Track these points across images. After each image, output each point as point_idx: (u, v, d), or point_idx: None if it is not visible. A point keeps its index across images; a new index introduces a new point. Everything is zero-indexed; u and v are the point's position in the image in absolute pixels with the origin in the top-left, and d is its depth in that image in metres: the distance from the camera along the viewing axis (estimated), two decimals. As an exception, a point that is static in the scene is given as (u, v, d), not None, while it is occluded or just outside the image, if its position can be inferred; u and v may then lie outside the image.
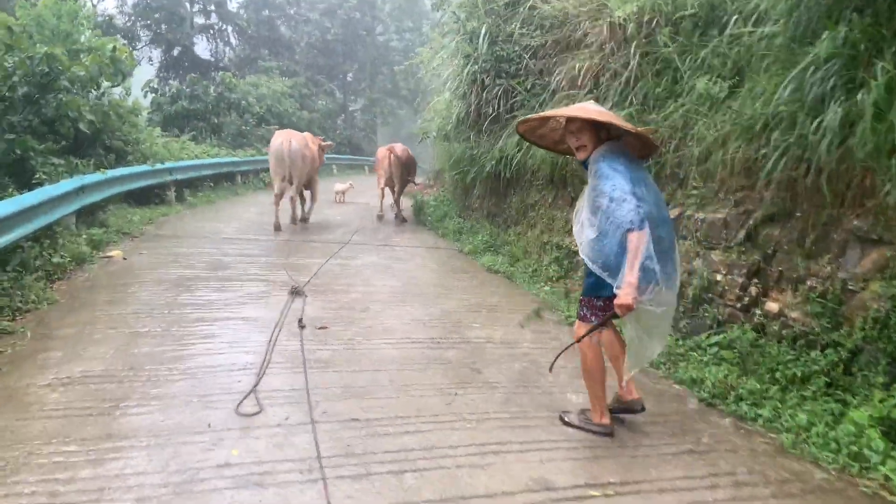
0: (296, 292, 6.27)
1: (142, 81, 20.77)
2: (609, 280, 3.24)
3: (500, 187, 9.97)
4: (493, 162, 9.38)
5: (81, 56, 11.11)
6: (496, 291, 7.11)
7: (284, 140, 9.99)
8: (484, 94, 9.69)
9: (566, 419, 3.72)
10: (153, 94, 18.12)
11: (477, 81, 9.82)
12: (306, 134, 11.16)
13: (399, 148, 12.21)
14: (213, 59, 29.71)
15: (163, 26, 27.06)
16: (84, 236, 7.78)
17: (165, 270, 6.99)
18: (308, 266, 7.71)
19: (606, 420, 3.59)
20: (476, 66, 9.70)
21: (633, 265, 3.06)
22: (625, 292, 3.07)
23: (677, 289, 3.47)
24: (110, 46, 10.42)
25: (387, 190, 12.80)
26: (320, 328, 5.29)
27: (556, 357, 3.72)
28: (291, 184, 10.18)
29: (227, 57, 30.47)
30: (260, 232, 10.09)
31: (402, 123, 50.84)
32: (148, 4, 26.77)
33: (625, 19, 7.36)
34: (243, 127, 19.23)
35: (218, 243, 8.88)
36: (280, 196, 10.29)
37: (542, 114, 3.78)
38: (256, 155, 18.68)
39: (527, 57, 9.24)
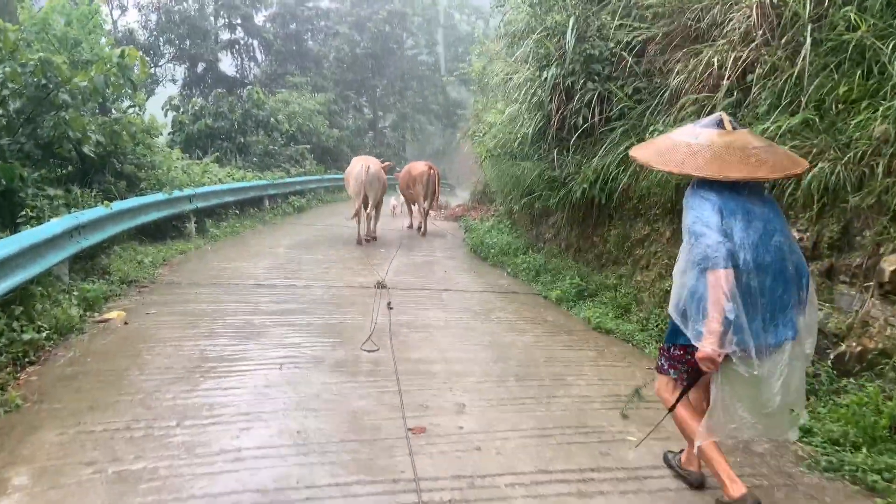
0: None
1: (164, 101, 19.34)
2: (681, 326, 2.83)
3: (589, 217, 8.07)
4: (586, 185, 7.50)
5: (90, 67, 9.50)
6: (625, 365, 5.19)
7: (363, 165, 10.83)
8: (572, 103, 7.83)
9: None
10: (174, 112, 16.57)
11: (560, 87, 7.97)
12: (373, 158, 11.62)
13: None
14: (238, 76, 28.31)
15: (186, 41, 25.71)
16: (76, 293, 6.04)
17: (178, 343, 5.19)
18: (361, 326, 5.88)
19: (737, 489, 2.83)
20: (560, 69, 7.86)
21: (713, 310, 2.65)
22: (704, 341, 2.68)
23: (784, 357, 2.81)
24: (117, 52, 8.76)
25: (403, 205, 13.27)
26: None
27: (647, 435, 3.44)
28: (367, 204, 10.98)
29: (253, 73, 29.08)
30: (295, 273, 8.31)
31: (430, 139, 49.37)
32: (171, 19, 25.45)
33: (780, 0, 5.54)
34: (271, 147, 17.59)
35: (247, 293, 7.10)
36: (358, 214, 10.90)
37: (645, 161, 3.13)
38: (285, 177, 17.03)
39: (627, 55, 7.38)
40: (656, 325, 5.94)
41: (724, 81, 5.91)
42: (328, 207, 18.46)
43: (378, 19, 32.17)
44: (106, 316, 5.83)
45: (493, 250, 10.22)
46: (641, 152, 3.19)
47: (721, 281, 2.62)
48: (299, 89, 24.12)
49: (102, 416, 3.81)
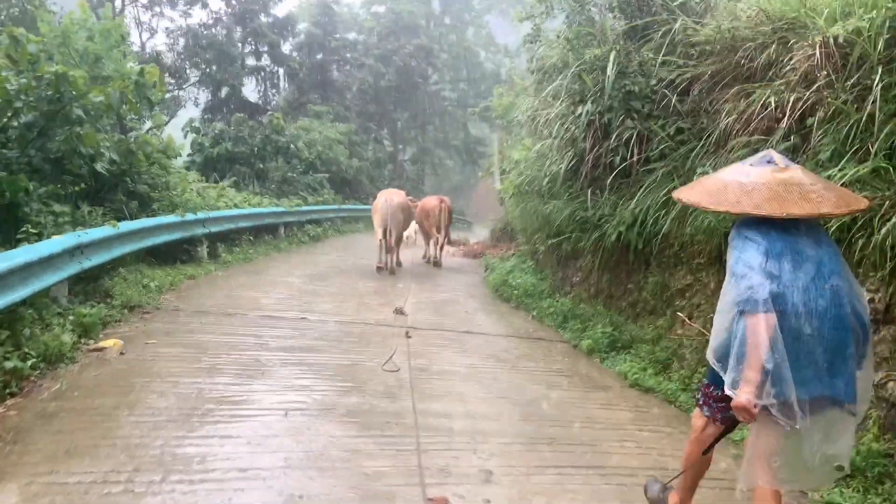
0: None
1: (185, 122, 19.21)
2: (719, 371, 2.62)
3: (624, 262, 7.57)
4: (622, 229, 7.02)
5: (108, 83, 9.25)
6: (669, 430, 4.62)
7: (388, 198, 11.38)
8: (608, 141, 7.41)
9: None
10: (194, 135, 16.36)
11: (596, 124, 7.57)
12: (399, 192, 12.29)
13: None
14: (260, 102, 28.33)
15: (213, 66, 25.80)
16: (71, 317, 5.61)
17: (175, 380, 4.72)
18: (374, 371, 5.39)
19: None
20: (597, 105, 7.46)
21: (751, 357, 2.41)
22: (740, 391, 2.45)
23: (837, 416, 2.58)
24: (137, 69, 8.50)
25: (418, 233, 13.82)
26: None
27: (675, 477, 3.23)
28: (388, 235, 11.29)
29: (275, 100, 29.11)
30: (308, 305, 7.85)
31: (448, 174, 49.31)
32: (199, 43, 25.56)
33: (846, 40, 5.13)
34: (289, 174, 17.31)
35: (255, 325, 6.64)
36: (382, 242, 11.34)
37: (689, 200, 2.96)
38: (302, 205, 16.70)
39: (670, 93, 6.98)
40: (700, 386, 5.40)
41: (781, 124, 5.50)
42: (345, 238, 18.10)
43: (404, 53, 32.29)
44: (101, 344, 5.38)
45: (516, 291, 9.71)
46: (688, 193, 2.98)
47: (760, 326, 2.41)
48: (321, 118, 24.00)
49: (80, 464, 3.33)
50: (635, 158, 7.11)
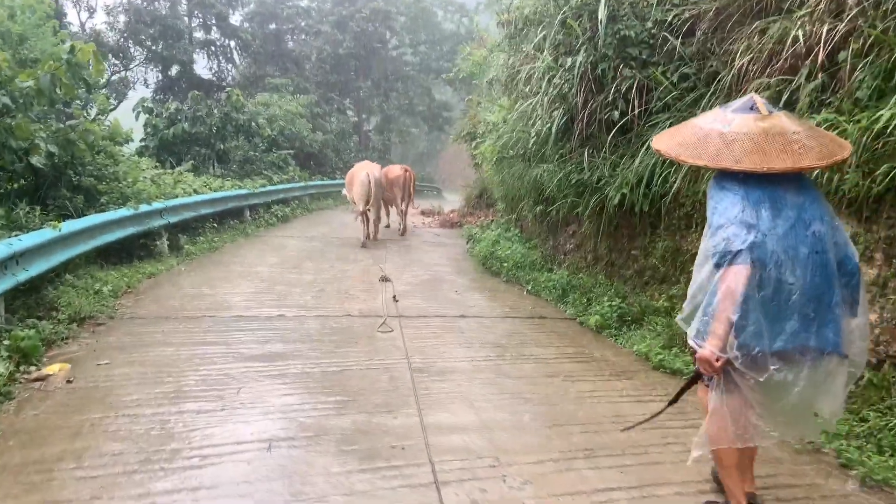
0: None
1: (136, 105, 17.83)
2: (688, 326, 2.64)
3: (626, 226, 6.93)
4: (626, 189, 6.36)
5: (38, 67, 8.19)
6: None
7: (369, 171, 11.54)
8: (603, 94, 6.70)
9: None
10: (147, 115, 15.12)
11: (588, 76, 6.83)
12: (374, 164, 12.35)
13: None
14: (215, 79, 26.85)
15: (159, 43, 24.22)
16: (7, 342, 4.78)
17: (134, 412, 3.96)
18: (366, 375, 4.70)
19: None
20: (589, 55, 6.72)
21: (719, 311, 2.38)
22: (707, 344, 2.44)
23: (822, 369, 2.50)
24: (67, 46, 7.47)
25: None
26: None
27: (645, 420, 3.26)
28: (370, 207, 11.55)
29: (231, 76, 27.62)
30: (283, 299, 7.10)
31: (414, 142, 48.22)
32: (141, 19, 23.92)
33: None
34: (251, 153, 16.22)
35: (225, 329, 5.87)
36: (362, 214, 11.65)
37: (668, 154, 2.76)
38: (267, 185, 15.75)
39: (671, 36, 6.27)
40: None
41: (807, 61, 4.86)
42: (314, 217, 17.22)
43: (360, 18, 30.92)
44: (45, 371, 4.58)
45: (505, 264, 9.06)
46: (665, 143, 2.81)
47: (732, 277, 2.36)
48: (280, 91, 22.76)
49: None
50: (635, 112, 6.42)
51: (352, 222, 12.40)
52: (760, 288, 2.40)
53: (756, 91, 5.18)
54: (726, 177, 2.59)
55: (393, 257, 10.47)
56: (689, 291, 2.67)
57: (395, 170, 13.39)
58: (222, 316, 6.32)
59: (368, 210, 11.57)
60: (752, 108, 2.66)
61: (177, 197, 10.91)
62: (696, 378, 2.79)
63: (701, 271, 2.57)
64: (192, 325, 5.95)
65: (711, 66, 5.92)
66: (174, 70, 25.11)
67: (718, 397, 2.56)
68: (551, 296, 7.57)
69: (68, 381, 4.46)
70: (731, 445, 2.60)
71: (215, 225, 12.01)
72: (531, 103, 8.38)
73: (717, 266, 2.42)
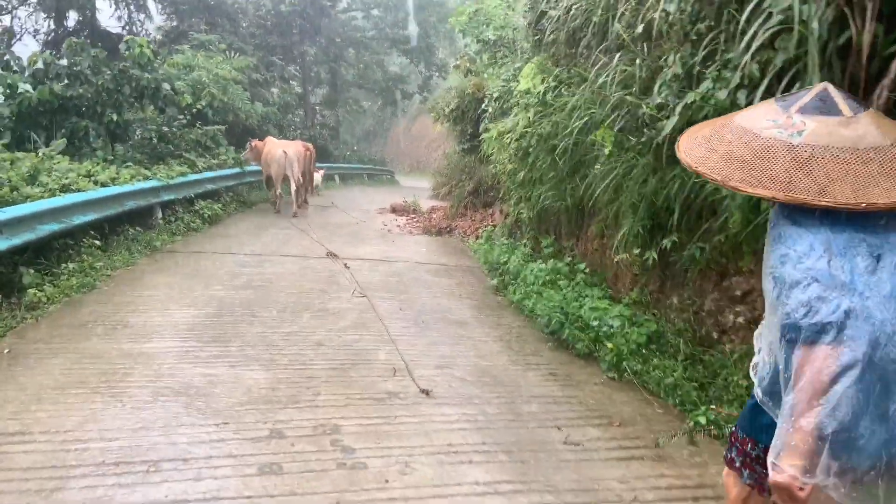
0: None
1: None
2: (769, 410, 1.81)
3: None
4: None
5: None
6: None
7: (283, 148, 12.34)
8: None
9: None
10: (2, 71, 10.30)
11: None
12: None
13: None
14: (125, 33, 21.78)
15: (53, -13, 19.11)
16: None
17: None
18: None
19: None
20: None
21: (798, 412, 1.52)
22: (782, 464, 1.55)
23: None
24: None
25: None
26: None
27: None
28: (290, 181, 12.47)
29: (146, 30, 22.63)
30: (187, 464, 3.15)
31: (360, 118, 43.89)
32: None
33: None
34: (165, 128, 11.77)
35: None
36: (278, 193, 12.83)
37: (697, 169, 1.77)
38: (189, 173, 11.43)
39: None
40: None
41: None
42: (256, 215, 13.07)
43: (307, -30, 26.29)
44: None
45: (608, 344, 5.14)
46: (700, 155, 1.79)
47: (817, 364, 1.49)
48: (207, 50, 18.12)
49: None
50: None
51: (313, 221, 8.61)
52: (870, 377, 1.49)
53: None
54: (799, 208, 1.66)
55: (396, 319, 6.56)
56: (761, 371, 1.88)
57: (299, 146, 13.36)
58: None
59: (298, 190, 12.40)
60: (826, 105, 1.68)
61: (26, 200, 6.65)
62: None
63: (770, 340, 1.77)
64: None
65: None
66: (72, 20, 20.04)
67: None
68: (587, 348, 3.85)
69: None
70: None
71: (98, 240, 7.70)
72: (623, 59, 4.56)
73: (792, 342, 1.56)
